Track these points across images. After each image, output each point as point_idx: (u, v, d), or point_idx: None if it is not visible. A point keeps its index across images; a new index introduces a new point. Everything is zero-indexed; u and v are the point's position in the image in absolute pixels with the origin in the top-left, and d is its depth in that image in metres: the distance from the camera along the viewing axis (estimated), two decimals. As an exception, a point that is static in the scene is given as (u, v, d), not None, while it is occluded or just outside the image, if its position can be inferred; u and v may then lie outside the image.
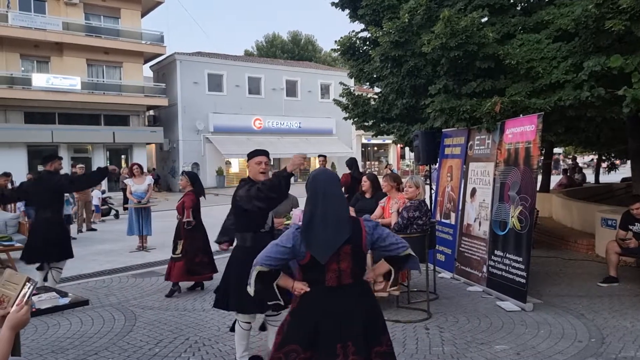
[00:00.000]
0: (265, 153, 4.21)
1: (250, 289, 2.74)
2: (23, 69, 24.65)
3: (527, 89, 6.55)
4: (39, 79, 23.98)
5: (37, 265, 6.35)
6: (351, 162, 9.92)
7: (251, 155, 4.20)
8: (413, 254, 2.83)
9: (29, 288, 2.03)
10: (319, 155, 10.31)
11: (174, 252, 6.64)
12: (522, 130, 6.11)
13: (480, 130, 6.94)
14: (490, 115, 6.40)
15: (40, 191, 6.29)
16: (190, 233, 6.60)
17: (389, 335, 2.81)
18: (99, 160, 25.52)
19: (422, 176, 25.19)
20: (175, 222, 6.91)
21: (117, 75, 27.48)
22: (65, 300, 3.69)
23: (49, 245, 6.15)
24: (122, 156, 28.39)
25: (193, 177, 6.93)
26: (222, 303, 4.24)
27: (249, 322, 4.17)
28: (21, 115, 24.52)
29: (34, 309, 3.53)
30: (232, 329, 4.31)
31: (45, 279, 6.25)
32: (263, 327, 4.37)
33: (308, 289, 2.73)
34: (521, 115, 6.29)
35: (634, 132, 8.00)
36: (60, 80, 24.42)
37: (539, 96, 6.43)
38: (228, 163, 31.78)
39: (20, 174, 18.06)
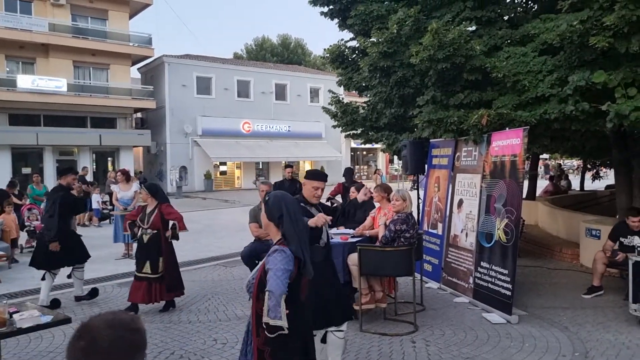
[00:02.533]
0: (324, 179, 4.30)
1: (284, 322, 2.54)
2: (8, 69, 24.35)
3: (514, 101, 6.60)
4: (24, 81, 23.70)
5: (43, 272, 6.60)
6: (346, 172, 10.04)
7: (311, 176, 4.26)
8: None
9: None
10: (286, 166, 9.97)
11: (156, 271, 6.17)
12: (508, 144, 6.17)
13: (467, 142, 6.99)
14: (477, 128, 6.45)
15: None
16: (170, 248, 6.35)
17: None
18: (85, 163, 25.25)
19: (411, 181, 25.27)
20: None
21: (104, 77, 27.24)
22: (47, 318, 3.63)
23: (55, 253, 6.41)
24: (109, 159, 28.17)
25: (153, 189, 6.47)
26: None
27: (344, 330, 4.11)
28: (5, 117, 24.22)
29: (15, 329, 3.49)
30: (323, 340, 4.10)
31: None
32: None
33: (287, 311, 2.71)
34: (507, 128, 6.35)
35: (618, 144, 8.10)
36: (45, 82, 24.14)
37: (525, 109, 6.49)
38: (216, 166, 31.65)
39: (3, 177, 17.87)
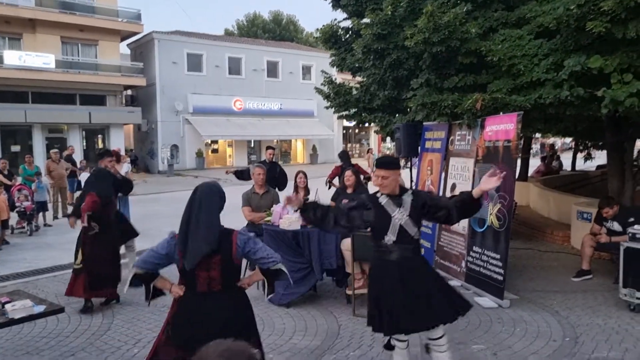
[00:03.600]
0: (387, 166, 3.66)
1: (125, 287, 3.08)
2: (-6, 45, 23.90)
3: (509, 85, 6.55)
4: (11, 57, 23.23)
5: None
6: (342, 155, 10.00)
7: (376, 164, 3.81)
8: (284, 269, 3.01)
9: None
10: (268, 147, 9.70)
11: (75, 261, 5.83)
12: (502, 129, 6.15)
13: (461, 126, 6.96)
14: (471, 112, 6.40)
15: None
16: (92, 239, 5.74)
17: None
18: (75, 141, 24.99)
19: (403, 159, 25.21)
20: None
21: (93, 53, 26.78)
22: (40, 308, 3.62)
23: None
24: (99, 136, 27.88)
25: (92, 173, 5.98)
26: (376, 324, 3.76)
27: (406, 341, 3.83)
28: (-8, 94, 23.85)
29: (7, 319, 3.47)
30: (388, 347, 3.95)
31: None
32: (388, 346, 3.98)
33: (182, 293, 2.99)
34: (501, 112, 6.31)
35: (611, 127, 8.10)
36: (33, 58, 23.68)
37: (520, 93, 6.45)
38: (208, 145, 31.43)
39: (-8, 156, 17.58)
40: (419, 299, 3.56)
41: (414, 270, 3.64)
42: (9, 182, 11.31)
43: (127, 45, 31.04)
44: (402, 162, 20.17)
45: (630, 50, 5.57)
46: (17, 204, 10.61)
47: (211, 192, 2.98)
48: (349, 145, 38.32)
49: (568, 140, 26.50)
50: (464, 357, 4.48)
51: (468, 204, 3.61)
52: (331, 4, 9.37)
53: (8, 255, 8.88)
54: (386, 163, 3.72)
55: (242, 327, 2.99)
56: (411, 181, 8.70)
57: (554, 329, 5.06)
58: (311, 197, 6.58)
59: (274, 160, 9.22)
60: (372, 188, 4.48)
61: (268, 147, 9.51)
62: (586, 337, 4.86)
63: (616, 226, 6.60)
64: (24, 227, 10.74)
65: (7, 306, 3.55)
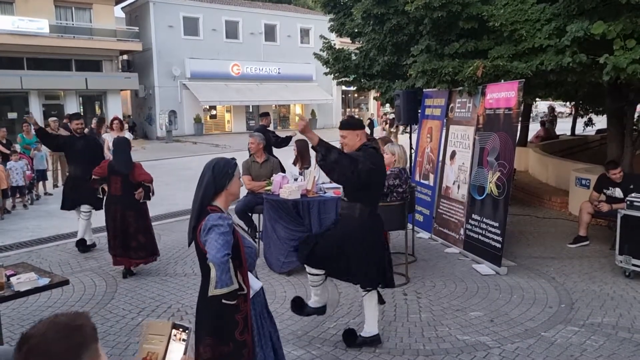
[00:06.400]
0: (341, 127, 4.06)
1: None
2: (-14, 10, 23.40)
3: (510, 51, 6.46)
4: (4, 22, 22.76)
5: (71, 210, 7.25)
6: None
7: None
8: (212, 269, 2.51)
9: (181, 335, 1.61)
10: (261, 115, 9.47)
11: None
12: (503, 96, 6.10)
13: (461, 93, 6.89)
14: (472, 79, 6.34)
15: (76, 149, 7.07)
16: (105, 207, 6.15)
17: (213, 340, 2.63)
18: (72, 108, 24.77)
19: (402, 126, 24.87)
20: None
21: (87, 17, 26.25)
22: (44, 281, 3.67)
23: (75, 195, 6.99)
24: (96, 103, 27.62)
25: (113, 146, 6.43)
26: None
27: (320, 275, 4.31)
28: (-13, 61, 23.50)
29: (13, 292, 3.52)
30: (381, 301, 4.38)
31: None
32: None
33: None
34: (502, 80, 6.25)
35: (613, 94, 8.04)
36: (26, 23, 23.22)
37: (521, 59, 6.37)
38: (206, 110, 31.18)
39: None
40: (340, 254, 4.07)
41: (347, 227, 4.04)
42: (7, 151, 11.26)
43: (122, 8, 30.41)
44: (401, 128, 19.64)
45: (633, 15, 5.46)
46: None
47: (207, 166, 2.80)
48: (347, 110, 38.02)
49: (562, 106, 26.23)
50: (462, 324, 4.57)
51: None
52: (330, -33, 9.16)
53: (10, 224, 8.94)
54: (344, 124, 4.06)
55: (207, 322, 2.67)
56: (411, 148, 8.69)
57: (550, 296, 5.15)
58: (312, 167, 6.58)
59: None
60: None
61: (262, 114, 9.29)
62: (582, 303, 4.95)
63: (618, 193, 6.59)
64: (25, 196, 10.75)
65: (13, 279, 3.60)
